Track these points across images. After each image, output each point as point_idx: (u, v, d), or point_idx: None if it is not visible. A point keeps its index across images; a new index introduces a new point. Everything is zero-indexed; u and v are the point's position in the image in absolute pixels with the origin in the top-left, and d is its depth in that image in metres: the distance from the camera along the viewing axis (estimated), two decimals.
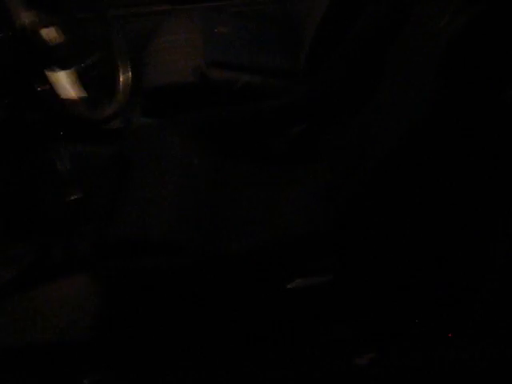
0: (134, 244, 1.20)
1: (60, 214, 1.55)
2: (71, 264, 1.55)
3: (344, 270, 1.26)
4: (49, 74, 1.14)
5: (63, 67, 1.16)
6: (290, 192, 1.39)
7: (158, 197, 1.34)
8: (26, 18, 1.13)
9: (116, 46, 1.34)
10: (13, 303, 1.44)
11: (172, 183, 1.39)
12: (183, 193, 1.36)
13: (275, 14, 1.96)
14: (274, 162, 1.52)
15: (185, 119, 1.54)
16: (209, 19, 1.84)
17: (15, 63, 1.13)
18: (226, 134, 1.54)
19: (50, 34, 1.16)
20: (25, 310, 1.48)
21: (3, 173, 1.42)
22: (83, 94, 1.17)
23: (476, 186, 1.15)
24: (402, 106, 1.18)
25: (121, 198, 1.35)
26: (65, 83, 1.15)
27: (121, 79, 1.34)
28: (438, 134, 1.08)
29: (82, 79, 1.23)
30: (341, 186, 1.32)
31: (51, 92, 1.13)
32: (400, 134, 1.15)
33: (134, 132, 1.56)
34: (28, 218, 1.55)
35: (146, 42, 1.86)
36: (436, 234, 1.22)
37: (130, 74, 1.37)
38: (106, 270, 1.23)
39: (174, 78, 1.65)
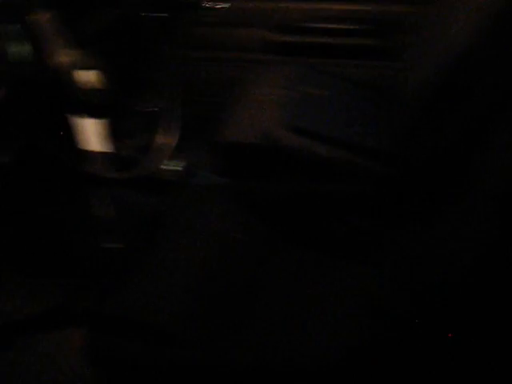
0: (131, 322, 1.05)
1: (91, 260, 1.45)
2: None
3: None
4: (73, 120, 1.02)
5: (92, 115, 1.04)
6: (329, 301, 1.17)
7: (180, 271, 1.18)
8: (65, 56, 1.03)
9: (170, 102, 1.18)
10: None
11: (202, 257, 1.23)
12: (209, 273, 1.19)
13: (382, 83, 1.74)
14: (323, 250, 1.31)
15: (240, 187, 1.38)
16: (301, 76, 1.66)
17: (38, 100, 1.02)
18: (282, 211, 1.35)
19: (87, 77, 1.05)
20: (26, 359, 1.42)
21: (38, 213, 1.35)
22: (107, 150, 1.04)
23: None
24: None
25: (143, 260, 1.21)
26: (88, 133, 1.03)
27: (160, 141, 1.15)
28: None
29: (116, 130, 1.11)
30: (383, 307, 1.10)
31: (69, 140, 1.01)
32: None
33: (184, 189, 1.42)
34: (59, 259, 1.46)
35: (230, 90, 1.71)
36: None
37: (176, 137, 1.16)
38: (100, 340, 1.09)
39: (243, 136, 1.48)
